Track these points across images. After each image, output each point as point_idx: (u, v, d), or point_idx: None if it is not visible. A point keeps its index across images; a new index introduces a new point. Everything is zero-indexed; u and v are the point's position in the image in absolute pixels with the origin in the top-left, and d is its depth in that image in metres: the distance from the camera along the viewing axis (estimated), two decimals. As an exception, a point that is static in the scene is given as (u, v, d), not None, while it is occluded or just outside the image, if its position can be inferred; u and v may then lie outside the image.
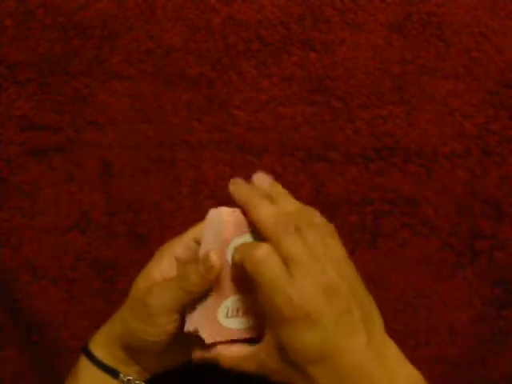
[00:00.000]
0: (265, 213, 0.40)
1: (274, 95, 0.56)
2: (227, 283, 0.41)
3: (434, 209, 0.54)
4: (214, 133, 0.55)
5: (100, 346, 0.44)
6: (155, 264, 0.44)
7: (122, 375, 0.44)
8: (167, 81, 0.55)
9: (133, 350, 0.44)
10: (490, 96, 0.55)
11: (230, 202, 0.54)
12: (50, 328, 0.53)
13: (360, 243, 0.54)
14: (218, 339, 0.41)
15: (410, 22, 0.56)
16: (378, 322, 0.39)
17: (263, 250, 0.38)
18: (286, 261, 0.38)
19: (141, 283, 0.43)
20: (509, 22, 0.56)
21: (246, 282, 0.40)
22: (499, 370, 0.43)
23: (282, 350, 0.38)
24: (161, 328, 0.42)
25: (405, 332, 0.53)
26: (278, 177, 0.54)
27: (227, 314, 0.42)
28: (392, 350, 0.39)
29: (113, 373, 0.44)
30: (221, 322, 0.41)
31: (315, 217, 0.41)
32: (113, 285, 0.53)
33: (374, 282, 0.52)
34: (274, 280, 0.37)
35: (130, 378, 0.44)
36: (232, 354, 0.41)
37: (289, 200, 0.43)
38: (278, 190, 0.44)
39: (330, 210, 0.53)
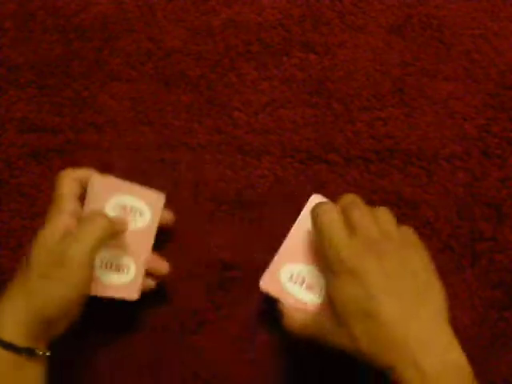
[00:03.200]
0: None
1: (274, 97, 0.56)
2: (298, 249, 0.46)
3: (434, 211, 0.54)
4: (214, 135, 0.55)
5: (5, 328, 0.42)
6: (55, 221, 0.45)
7: (37, 351, 0.42)
8: (167, 83, 0.55)
9: (46, 322, 0.43)
10: (490, 98, 0.55)
11: (230, 202, 0.54)
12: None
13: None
14: (272, 292, 0.46)
15: (410, 24, 0.56)
16: (435, 306, 0.41)
17: (333, 211, 0.43)
18: (350, 227, 0.42)
19: (49, 238, 0.43)
20: (509, 24, 0.56)
21: (317, 253, 0.45)
22: (500, 372, 0.43)
23: (332, 305, 0.41)
24: (80, 282, 0.43)
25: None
26: (278, 179, 0.54)
27: (291, 278, 0.46)
28: (444, 336, 0.40)
29: (28, 351, 0.42)
30: (281, 281, 0.46)
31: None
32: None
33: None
34: (333, 236, 0.42)
35: (48, 352, 0.43)
36: (297, 316, 0.44)
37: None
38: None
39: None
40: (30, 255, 0.43)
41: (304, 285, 0.46)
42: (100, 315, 0.53)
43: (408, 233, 0.44)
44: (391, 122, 0.55)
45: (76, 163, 0.55)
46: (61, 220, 0.45)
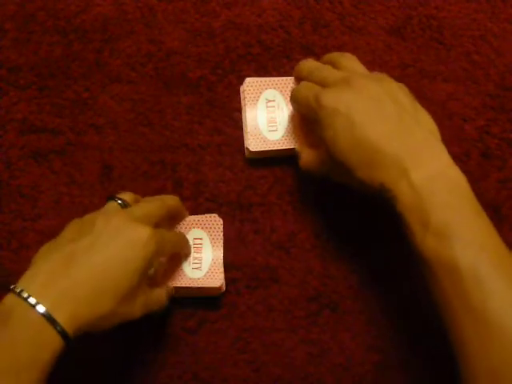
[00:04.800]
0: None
1: (274, 98, 0.56)
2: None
3: (434, 212, 0.54)
4: (214, 136, 0.55)
5: (63, 315, 0.39)
6: None
7: (58, 324, 0.38)
8: (168, 84, 0.55)
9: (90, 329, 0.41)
10: (489, 99, 0.55)
11: (230, 203, 0.54)
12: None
13: (361, 245, 0.54)
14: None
15: (410, 25, 0.56)
16: (426, 127, 0.44)
17: (302, 84, 0.48)
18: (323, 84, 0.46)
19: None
20: (508, 25, 0.56)
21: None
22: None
23: (330, 150, 0.44)
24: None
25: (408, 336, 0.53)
26: (277, 179, 0.54)
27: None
28: (437, 153, 0.42)
29: (49, 319, 0.38)
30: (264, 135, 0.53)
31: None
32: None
33: (379, 281, 0.52)
34: (309, 94, 0.46)
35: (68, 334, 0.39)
36: (307, 156, 0.49)
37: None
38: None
39: (330, 213, 0.53)
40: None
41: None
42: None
43: (384, 76, 0.46)
44: (391, 123, 0.55)
45: (76, 164, 0.55)
46: None
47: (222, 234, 0.52)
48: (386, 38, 0.56)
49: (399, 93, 0.44)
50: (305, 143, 0.52)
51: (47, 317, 0.38)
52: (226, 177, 0.55)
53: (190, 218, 0.53)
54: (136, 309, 0.44)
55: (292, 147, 0.53)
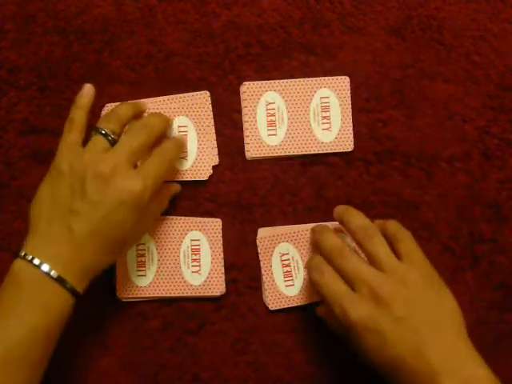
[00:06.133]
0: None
1: (274, 99, 0.56)
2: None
3: (434, 212, 0.54)
4: (214, 137, 0.55)
5: (69, 273, 0.43)
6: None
7: (68, 283, 0.43)
8: (168, 85, 0.55)
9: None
10: (489, 99, 0.55)
11: (230, 204, 0.54)
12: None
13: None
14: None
15: (410, 25, 0.56)
16: (452, 327, 0.43)
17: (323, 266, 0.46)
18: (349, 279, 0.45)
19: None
20: (508, 25, 0.56)
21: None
22: (501, 375, 0.43)
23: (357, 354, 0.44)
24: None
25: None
26: (278, 181, 0.54)
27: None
28: (465, 355, 0.42)
29: (60, 281, 0.43)
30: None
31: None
32: (113, 289, 0.53)
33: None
34: (336, 300, 0.44)
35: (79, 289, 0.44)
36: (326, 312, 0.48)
37: None
38: None
39: (330, 214, 0.53)
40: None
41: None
42: (100, 315, 0.53)
43: (409, 260, 0.45)
44: (391, 124, 0.55)
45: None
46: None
47: (221, 238, 0.53)
48: (386, 39, 0.56)
49: (429, 298, 0.44)
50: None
51: (59, 280, 0.42)
52: (226, 177, 0.55)
53: (189, 220, 0.53)
54: (144, 229, 0.50)
55: (292, 154, 0.53)
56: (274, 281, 0.52)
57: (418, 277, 0.44)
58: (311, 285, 0.49)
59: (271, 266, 0.52)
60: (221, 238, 0.53)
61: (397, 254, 0.45)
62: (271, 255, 0.52)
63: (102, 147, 0.46)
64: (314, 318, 0.51)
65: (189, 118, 0.54)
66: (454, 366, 0.41)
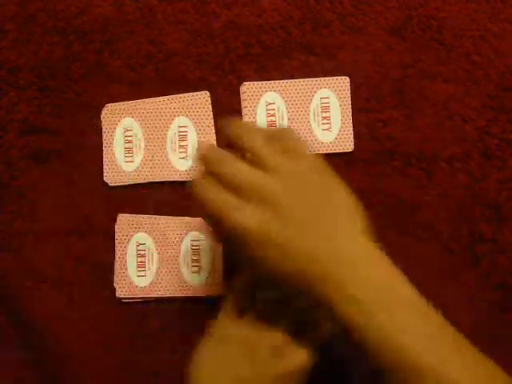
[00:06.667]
0: None
1: (274, 99, 0.56)
2: None
3: (434, 213, 0.54)
4: (214, 137, 0.55)
5: None
6: None
7: None
8: (168, 85, 0.55)
9: None
10: (490, 99, 0.55)
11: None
12: (50, 332, 0.53)
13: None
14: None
15: (410, 25, 0.56)
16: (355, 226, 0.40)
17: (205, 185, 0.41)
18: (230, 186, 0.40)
19: None
20: (508, 25, 0.56)
21: None
22: (500, 374, 0.43)
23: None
24: None
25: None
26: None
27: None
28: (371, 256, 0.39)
29: None
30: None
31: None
32: (113, 289, 0.53)
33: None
34: (219, 214, 0.40)
35: None
36: None
37: None
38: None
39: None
40: None
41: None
42: (100, 315, 0.53)
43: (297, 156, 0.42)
44: (391, 124, 0.55)
45: (76, 165, 0.55)
46: None
47: None
48: (386, 39, 0.56)
49: (319, 193, 0.41)
50: None
51: None
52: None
53: (189, 220, 0.53)
54: None
55: None
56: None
57: (307, 171, 0.41)
58: (200, 205, 0.42)
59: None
60: None
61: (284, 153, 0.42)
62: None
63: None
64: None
65: (189, 118, 0.54)
66: (353, 267, 0.38)
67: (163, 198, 0.54)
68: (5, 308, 0.53)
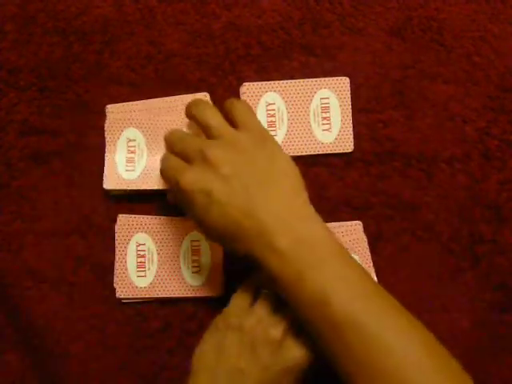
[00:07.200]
0: None
1: (274, 100, 0.56)
2: None
3: (434, 213, 0.54)
4: (214, 137, 0.55)
5: None
6: None
7: None
8: (168, 86, 0.55)
9: None
10: (490, 100, 0.55)
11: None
12: (50, 332, 0.53)
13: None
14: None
15: (410, 26, 0.56)
16: (285, 187, 0.43)
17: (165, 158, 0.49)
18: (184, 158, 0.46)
19: None
20: (509, 26, 0.56)
21: None
22: (500, 375, 0.43)
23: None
24: None
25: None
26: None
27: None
28: (301, 214, 0.43)
29: None
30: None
31: None
32: (113, 289, 0.53)
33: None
34: (170, 175, 0.47)
35: None
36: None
37: None
38: None
39: (331, 215, 0.53)
40: None
41: None
42: (100, 315, 0.53)
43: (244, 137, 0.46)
44: (391, 125, 0.55)
45: (77, 166, 0.55)
46: None
47: None
48: (386, 39, 0.56)
49: (259, 159, 0.45)
50: None
51: None
52: (226, 178, 0.55)
53: (189, 220, 0.53)
54: None
55: (292, 154, 0.53)
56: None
57: (249, 140, 0.45)
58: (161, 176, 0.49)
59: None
60: None
61: (233, 124, 0.47)
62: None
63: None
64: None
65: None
66: (287, 225, 0.41)
67: (163, 198, 0.54)
68: (5, 308, 0.53)
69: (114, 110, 0.54)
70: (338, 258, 0.41)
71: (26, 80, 0.56)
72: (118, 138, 0.54)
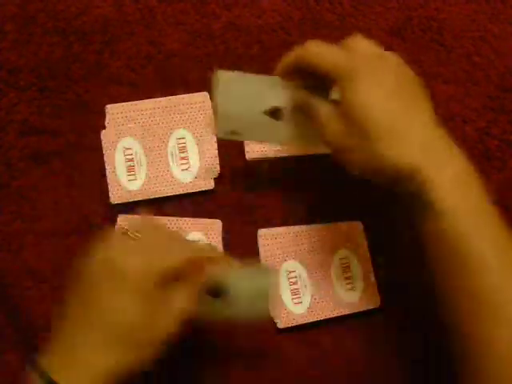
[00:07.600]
0: None
1: (274, 100, 0.55)
2: None
3: (434, 213, 0.54)
4: (214, 137, 0.55)
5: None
6: None
7: None
8: (168, 86, 0.55)
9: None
10: (490, 100, 0.55)
11: (230, 205, 0.54)
12: (50, 333, 0.53)
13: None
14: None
15: (410, 26, 0.56)
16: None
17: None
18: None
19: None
20: (508, 26, 0.56)
21: None
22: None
23: (353, 120, 0.44)
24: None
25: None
26: (278, 181, 0.54)
27: None
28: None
29: None
30: None
31: None
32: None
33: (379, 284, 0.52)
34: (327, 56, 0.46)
35: None
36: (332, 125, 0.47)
37: None
38: None
39: (331, 215, 0.53)
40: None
41: None
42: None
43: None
44: (391, 125, 0.55)
45: (76, 166, 0.55)
46: None
47: (221, 239, 0.53)
48: (386, 39, 0.56)
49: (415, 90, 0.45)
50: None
51: None
52: (227, 178, 0.55)
53: (189, 221, 0.53)
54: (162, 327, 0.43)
55: (292, 154, 0.53)
56: (281, 299, 0.52)
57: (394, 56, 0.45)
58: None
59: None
60: (221, 239, 0.53)
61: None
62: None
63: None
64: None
65: (187, 130, 0.54)
66: (433, 155, 0.42)
67: (163, 198, 0.54)
68: (5, 308, 0.53)
69: (114, 110, 0.54)
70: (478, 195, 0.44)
71: (26, 80, 0.56)
72: (115, 149, 0.53)
